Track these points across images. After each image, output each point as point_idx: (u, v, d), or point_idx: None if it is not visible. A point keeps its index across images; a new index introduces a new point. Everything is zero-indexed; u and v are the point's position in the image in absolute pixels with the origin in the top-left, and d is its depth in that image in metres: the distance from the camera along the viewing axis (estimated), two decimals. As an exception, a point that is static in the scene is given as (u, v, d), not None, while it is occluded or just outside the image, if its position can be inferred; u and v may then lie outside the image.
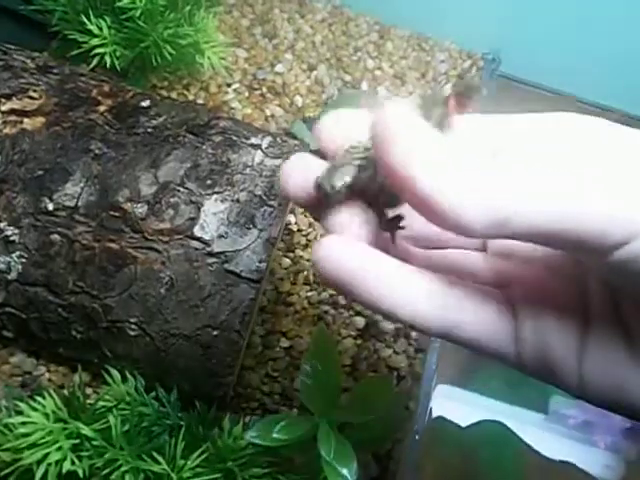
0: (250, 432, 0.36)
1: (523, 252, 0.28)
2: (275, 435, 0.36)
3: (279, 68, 0.69)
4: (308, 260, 0.57)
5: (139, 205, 0.44)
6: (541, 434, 0.62)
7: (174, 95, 0.64)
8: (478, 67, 0.75)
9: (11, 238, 0.43)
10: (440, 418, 0.56)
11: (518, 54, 0.76)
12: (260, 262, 0.43)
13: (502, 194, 0.20)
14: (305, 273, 0.57)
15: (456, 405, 0.61)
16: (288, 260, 0.57)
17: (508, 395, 0.63)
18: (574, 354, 0.24)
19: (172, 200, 0.44)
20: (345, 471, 0.35)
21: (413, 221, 0.26)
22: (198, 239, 0.43)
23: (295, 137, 0.61)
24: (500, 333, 0.25)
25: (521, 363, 0.25)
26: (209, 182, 0.45)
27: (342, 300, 0.56)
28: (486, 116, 0.26)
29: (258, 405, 0.50)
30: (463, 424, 0.58)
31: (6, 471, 0.35)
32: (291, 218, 0.59)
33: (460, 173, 0.20)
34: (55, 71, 0.51)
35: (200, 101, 0.65)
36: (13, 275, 0.43)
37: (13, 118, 0.46)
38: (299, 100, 0.67)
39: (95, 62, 0.55)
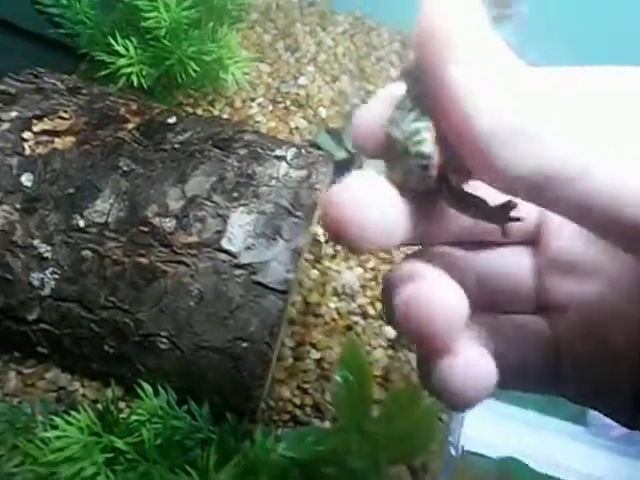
0: (282, 445, 0.36)
1: (589, 265, 0.22)
2: (307, 447, 0.35)
3: (302, 81, 0.69)
4: (336, 271, 0.57)
5: (167, 220, 0.44)
6: (580, 447, 0.59)
7: (199, 111, 0.65)
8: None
9: (44, 255, 0.44)
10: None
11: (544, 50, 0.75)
12: (287, 272, 0.43)
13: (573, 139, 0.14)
14: (333, 284, 0.56)
15: (491, 417, 0.59)
16: (316, 271, 0.57)
17: (544, 406, 0.61)
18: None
19: (199, 214, 0.44)
20: (379, 484, 0.34)
21: (451, 221, 0.23)
22: (225, 251, 0.43)
23: (320, 148, 0.61)
24: (543, 372, 0.23)
25: (560, 394, 0.23)
26: (235, 195, 0.45)
27: (372, 310, 0.56)
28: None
29: (290, 417, 0.50)
30: (498, 438, 0.56)
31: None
32: (318, 229, 0.59)
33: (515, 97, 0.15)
34: (84, 92, 0.52)
35: (225, 116, 0.65)
36: (47, 291, 0.44)
37: (45, 138, 0.47)
38: (323, 111, 0.67)
39: (122, 82, 0.57)
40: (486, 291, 0.24)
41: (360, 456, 0.36)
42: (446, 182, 0.20)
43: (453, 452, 0.49)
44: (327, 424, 0.50)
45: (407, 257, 0.25)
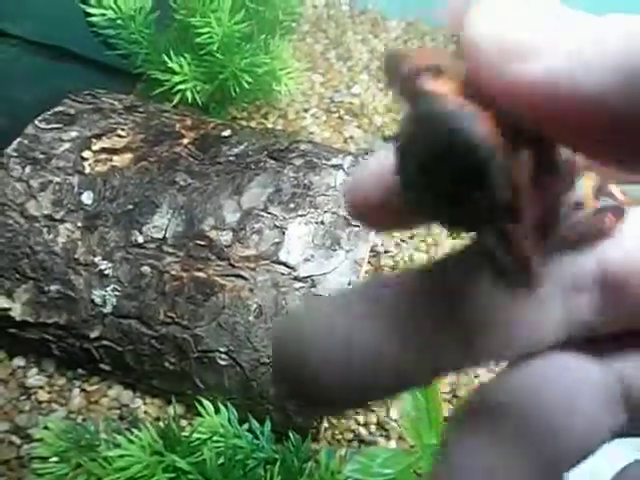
0: (349, 466, 0.34)
1: None
2: (376, 469, 0.33)
3: (355, 89, 0.68)
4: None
5: (224, 233, 0.43)
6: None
7: (253, 124, 0.65)
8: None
9: (105, 272, 0.44)
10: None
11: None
12: (349, 284, 0.41)
13: None
14: (394, 296, 0.54)
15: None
16: (376, 283, 0.55)
17: None
18: None
19: (256, 226, 0.43)
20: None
21: None
22: (284, 264, 0.42)
23: (376, 156, 0.59)
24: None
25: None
26: (292, 205, 0.44)
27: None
28: None
29: (353, 436, 0.48)
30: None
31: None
32: (377, 239, 0.57)
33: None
34: (140, 110, 0.53)
35: (279, 128, 0.65)
36: (109, 308, 0.44)
37: (104, 156, 0.47)
38: (378, 119, 0.66)
39: (177, 99, 0.57)
40: None
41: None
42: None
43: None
44: (393, 443, 0.47)
45: None
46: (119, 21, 0.57)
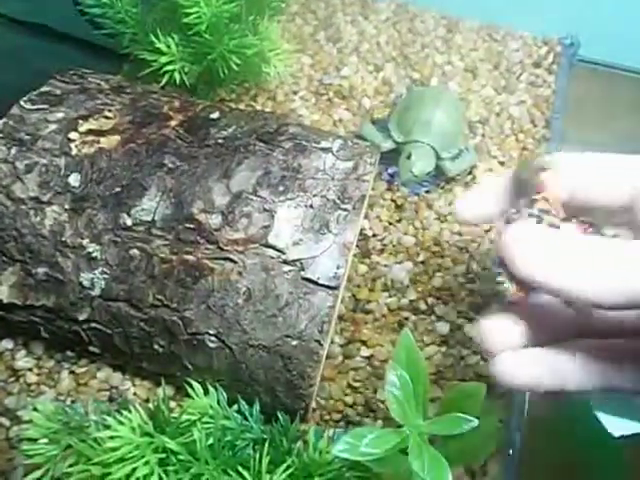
0: (337, 446, 0.34)
1: None
2: (363, 449, 0.34)
3: (345, 72, 0.68)
4: (385, 265, 0.55)
5: (213, 216, 0.43)
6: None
7: (242, 106, 0.64)
8: (555, 53, 0.70)
9: (93, 255, 0.44)
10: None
11: (597, 36, 0.71)
12: (337, 268, 0.42)
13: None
14: (383, 279, 0.55)
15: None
16: (364, 266, 0.55)
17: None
18: None
19: (245, 209, 0.43)
20: (440, 487, 0.33)
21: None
22: (273, 247, 0.42)
23: (365, 139, 0.59)
24: None
25: None
26: (281, 189, 0.44)
27: (423, 305, 0.54)
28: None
29: (341, 417, 0.48)
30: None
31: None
32: (365, 223, 0.57)
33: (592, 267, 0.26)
34: (128, 91, 0.52)
35: (268, 110, 0.64)
36: (97, 291, 0.44)
37: (91, 138, 0.47)
38: (367, 102, 0.65)
39: (165, 80, 0.56)
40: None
41: (419, 457, 0.34)
42: None
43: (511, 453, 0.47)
44: (379, 423, 0.48)
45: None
46: (105, 0, 0.56)
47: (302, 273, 0.42)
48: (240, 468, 0.37)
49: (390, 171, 0.60)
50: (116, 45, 0.60)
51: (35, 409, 0.41)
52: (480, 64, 0.69)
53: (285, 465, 0.37)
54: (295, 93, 0.66)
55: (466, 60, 0.69)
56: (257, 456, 0.38)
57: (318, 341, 0.41)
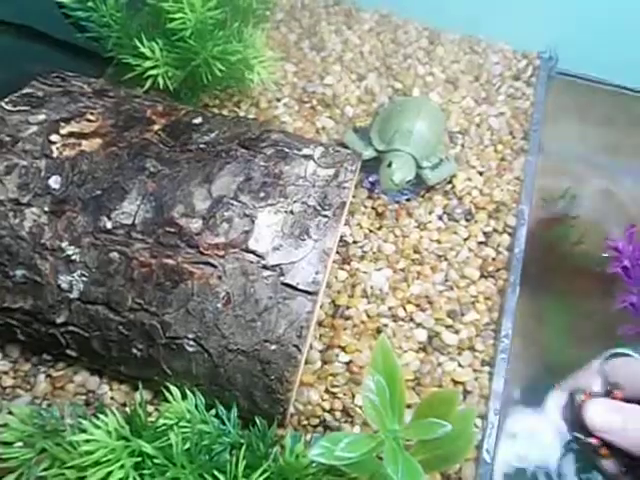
0: (313, 450, 0.35)
1: None
2: (339, 453, 0.34)
3: (328, 80, 0.68)
4: (365, 272, 0.56)
5: (194, 220, 0.43)
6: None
7: (225, 112, 0.65)
8: (534, 66, 0.72)
9: (72, 257, 0.44)
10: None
11: (575, 50, 0.72)
12: (317, 274, 0.42)
13: None
14: (362, 285, 0.55)
15: (531, 422, 0.56)
16: (344, 273, 0.56)
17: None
18: None
19: (226, 214, 0.44)
20: (414, 491, 0.33)
21: None
22: (253, 252, 0.43)
23: (347, 147, 0.60)
24: None
25: None
26: (262, 194, 0.44)
27: (402, 312, 0.54)
28: None
29: (319, 422, 0.49)
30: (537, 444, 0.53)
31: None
32: (346, 230, 0.58)
33: None
34: (111, 94, 0.52)
35: (251, 117, 0.65)
36: (75, 294, 0.44)
37: (72, 141, 0.47)
38: (350, 111, 0.66)
39: (149, 84, 0.57)
40: None
41: (394, 462, 0.35)
42: None
43: (488, 459, 0.48)
44: (357, 429, 0.48)
45: None
46: (90, 3, 0.56)
47: (282, 278, 0.42)
48: (216, 472, 0.37)
49: (371, 179, 0.60)
50: (100, 48, 0.60)
51: (10, 412, 0.41)
52: (461, 75, 0.70)
53: (261, 469, 0.37)
54: (278, 100, 0.67)
55: (447, 72, 0.70)
56: (234, 460, 0.38)
57: (296, 346, 0.42)
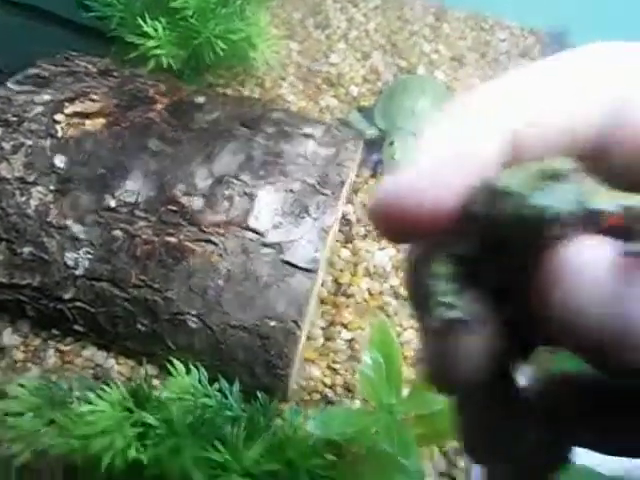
0: (311, 423, 0.36)
1: None
2: (336, 427, 0.35)
3: (333, 59, 0.68)
4: (367, 251, 0.56)
5: (195, 198, 0.44)
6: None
7: (229, 92, 0.65)
8: (542, 44, 0.71)
9: (78, 235, 0.45)
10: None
11: (583, 28, 0.71)
12: (316, 251, 0.43)
13: None
14: (365, 264, 0.56)
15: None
16: (347, 251, 0.56)
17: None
18: None
19: (227, 192, 0.44)
20: (407, 463, 0.34)
21: None
22: (253, 230, 0.43)
23: (351, 126, 0.60)
24: None
25: None
26: (262, 173, 0.45)
27: (404, 291, 0.55)
28: None
29: (320, 397, 0.50)
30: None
31: (76, 456, 0.37)
32: (349, 208, 0.58)
33: None
34: (115, 74, 0.53)
35: (255, 96, 0.65)
36: (80, 271, 0.45)
37: (76, 120, 0.47)
38: (354, 90, 0.66)
39: (152, 64, 0.57)
40: None
41: (389, 436, 0.36)
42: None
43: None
44: (357, 404, 0.49)
45: None
46: (93, -18, 0.56)
47: (281, 256, 0.43)
48: (217, 443, 0.38)
49: (375, 158, 0.60)
50: (104, 27, 0.60)
51: (21, 385, 0.42)
52: (467, 53, 0.69)
53: (260, 440, 0.38)
54: (283, 79, 0.67)
55: (453, 49, 0.69)
56: (235, 432, 0.39)
57: (296, 322, 0.42)
